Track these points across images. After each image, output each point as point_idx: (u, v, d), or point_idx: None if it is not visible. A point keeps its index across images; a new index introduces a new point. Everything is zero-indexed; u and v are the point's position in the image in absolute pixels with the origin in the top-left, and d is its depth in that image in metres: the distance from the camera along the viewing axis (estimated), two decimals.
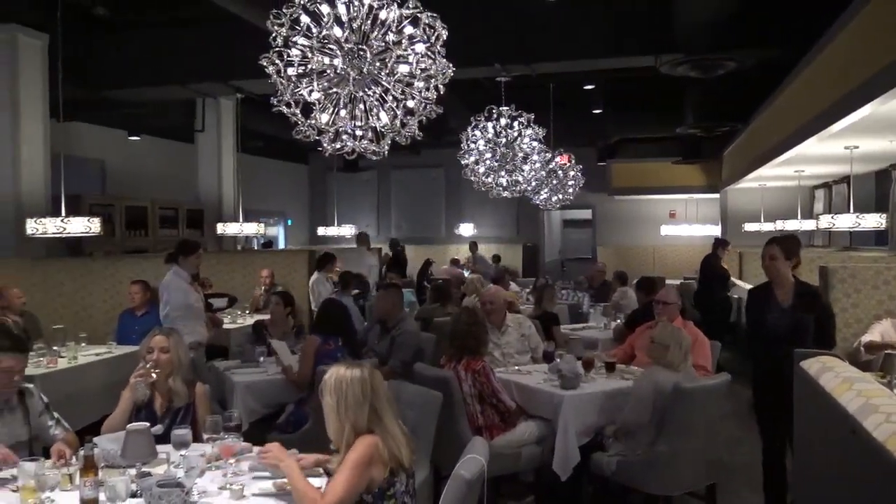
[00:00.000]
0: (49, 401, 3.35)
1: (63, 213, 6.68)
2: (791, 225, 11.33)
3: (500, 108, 8.11)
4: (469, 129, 8.22)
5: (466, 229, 16.79)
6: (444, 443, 3.84)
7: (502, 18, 8.29)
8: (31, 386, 3.31)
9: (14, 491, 2.63)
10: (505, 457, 4.23)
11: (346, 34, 3.81)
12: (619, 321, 6.98)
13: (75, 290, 7.04)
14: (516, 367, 5.11)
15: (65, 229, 6.48)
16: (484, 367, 4.40)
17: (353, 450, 2.59)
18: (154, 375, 3.38)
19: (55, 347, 5.46)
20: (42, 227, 6.46)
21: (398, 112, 4.00)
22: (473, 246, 14.43)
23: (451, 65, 3.98)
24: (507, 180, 8.66)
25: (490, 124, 8.16)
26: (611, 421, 4.35)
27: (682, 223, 15.93)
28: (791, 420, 3.91)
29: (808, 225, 11.53)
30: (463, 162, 8.38)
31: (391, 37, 3.83)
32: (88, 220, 6.63)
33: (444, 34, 3.87)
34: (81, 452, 2.66)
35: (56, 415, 3.31)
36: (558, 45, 8.43)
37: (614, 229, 17.02)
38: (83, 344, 5.74)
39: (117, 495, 2.48)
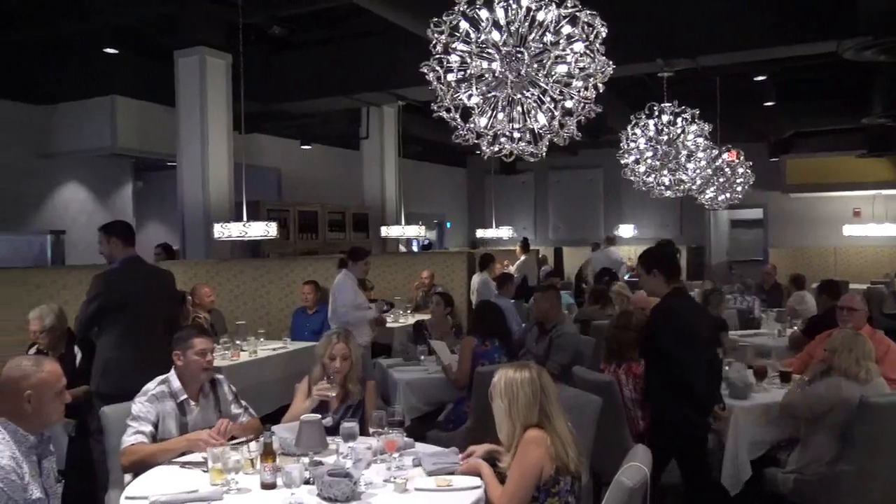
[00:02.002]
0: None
1: (245, 218, 7.25)
2: None
3: (662, 105, 7.81)
4: (629, 128, 7.98)
5: (626, 230, 16.32)
6: (604, 449, 3.76)
7: (665, 10, 7.98)
8: (221, 377, 3.63)
9: (204, 472, 2.90)
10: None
11: (503, 37, 3.84)
12: (795, 328, 6.50)
13: (255, 289, 7.60)
14: None
15: (246, 233, 7.03)
16: None
17: (522, 447, 2.62)
18: (332, 394, 3.57)
19: (238, 342, 5.91)
20: (227, 231, 7.05)
21: (556, 113, 3.97)
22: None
23: (610, 62, 3.89)
24: (670, 179, 8.31)
25: (651, 122, 7.87)
26: (787, 435, 4.06)
27: (868, 222, 14.52)
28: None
29: None
30: (622, 161, 8.16)
31: (549, 37, 3.81)
32: (266, 225, 7.15)
33: (604, 31, 3.79)
34: (262, 440, 2.88)
35: (244, 403, 3.61)
36: (726, 36, 7.97)
37: (789, 229, 15.84)
38: (262, 339, 6.18)
39: (293, 481, 2.65)
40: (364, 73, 9.63)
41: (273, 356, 5.99)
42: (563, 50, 3.79)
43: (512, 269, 10.88)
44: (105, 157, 10.35)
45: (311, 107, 10.78)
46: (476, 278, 8.78)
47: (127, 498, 2.71)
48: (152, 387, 3.35)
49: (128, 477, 3.19)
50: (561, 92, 3.91)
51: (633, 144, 8.00)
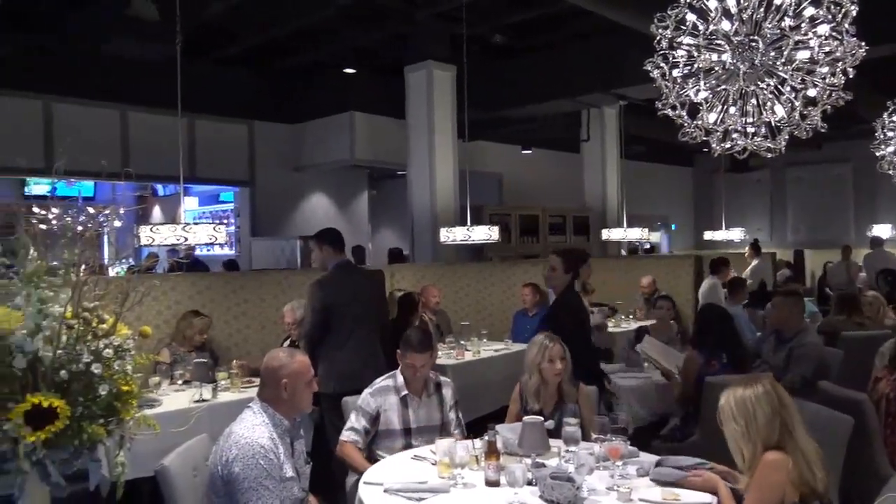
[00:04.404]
0: (457, 388, 3.78)
1: (468, 222, 7.51)
2: None
3: None
4: (885, 115, 7.12)
5: (882, 231, 14.47)
6: (855, 475, 3.37)
7: None
8: (447, 380, 3.78)
9: (433, 464, 3.06)
10: None
11: (735, 26, 3.61)
12: None
13: (478, 291, 7.84)
14: None
15: (470, 237, 7.30)
16: None
17: (761, 471, 2.41)
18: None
19: (462, 342, 6.14)
20: (452, 235, 7.36)
21: (797, 103, 3.65)
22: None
23: (862, 44, 3.50)
24: None
25: None
26: None
27: None
28: None
29: None
30: (878, 153, 7.30)
31: (788, 22, 3.51)
32: (489, 229, 7.36)
33: (854, 10, 3.42)
34: (486, 438, 2.97)
35: (460, 415, 3.72)
36: None
37: None
38: (484, 340, 6.37)
39: (516, 480, 2.69)
40: (585, 74, 9.54)
41: (495, 357, 6.13)
42: (806, 34, 3.48)
43: (746, 272, 10.14)
44: (345, 168, 11.31)
45: (532, 111, 10.90)
46: (705, 283, 8.31)
47: (364, 483, 2.94)
48: (380, 380, 3.62)
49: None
50: (802, 80, 3.60)
51: (890, 134, 7.15)
